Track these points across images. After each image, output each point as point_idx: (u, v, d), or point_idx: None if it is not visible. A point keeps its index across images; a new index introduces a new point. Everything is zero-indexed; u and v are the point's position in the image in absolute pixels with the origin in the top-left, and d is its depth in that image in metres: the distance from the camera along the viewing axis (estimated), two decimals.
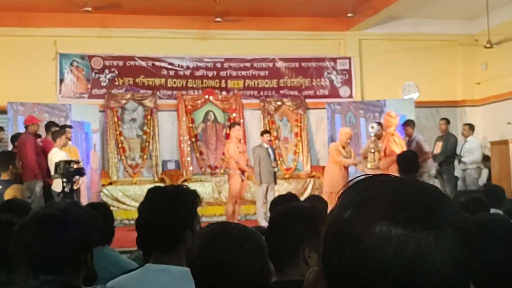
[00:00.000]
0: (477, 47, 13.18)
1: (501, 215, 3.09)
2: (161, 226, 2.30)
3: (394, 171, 8.35)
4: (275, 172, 10.45)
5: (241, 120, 12.48)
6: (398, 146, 8.68)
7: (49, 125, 10.00)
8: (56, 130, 9.58)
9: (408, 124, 10.69)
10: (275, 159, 10.59)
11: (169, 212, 2.29)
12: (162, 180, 11.77)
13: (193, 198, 2.37)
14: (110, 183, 11.68)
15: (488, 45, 11.80)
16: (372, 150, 9.44)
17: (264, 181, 10.16)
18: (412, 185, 0.89)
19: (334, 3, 11.83)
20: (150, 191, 2.45)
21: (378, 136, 9.85)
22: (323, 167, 12.06)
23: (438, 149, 11.29)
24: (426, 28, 13.21)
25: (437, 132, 12.08)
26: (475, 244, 0.86)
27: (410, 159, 5.92)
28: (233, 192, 9.98)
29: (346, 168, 9.70)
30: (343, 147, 9.78)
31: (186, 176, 12.11)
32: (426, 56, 13.31)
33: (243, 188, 10.15)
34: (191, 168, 12.36)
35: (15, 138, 9.79)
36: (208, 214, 10.96)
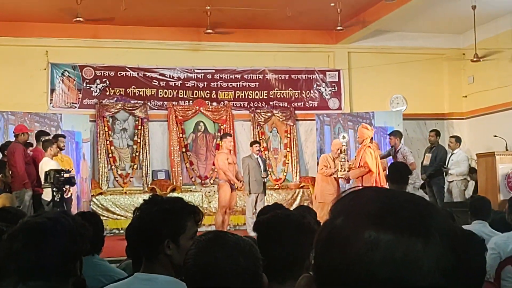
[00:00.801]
0: (464, 61, 13.36)
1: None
2: (141, 234, 2.35)
3: (367, 181, 8.59)
4: (264, 182, 10.53)
5: (231, 131, 12.57)
6: (373, 159, 8.82)
7: (39, 134, 10.03)
8: (47, 139, 9.61)
9: (393, 134, 10.84)
10: (265, 169, 10.65)
11: (149, 220, 2.32)
12: (152, 190, 11.81)
13: (187, 212, 2.36)
14: (100, 193, 11.72)
15: (475, 59, 11.97)
16: (343, 160, 9.60)
17: (253, 191, 10.23)
18: (402, 194, 0.91)
19: (323, 16, 11.97)
20: (146, 199, 2.48)
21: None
22: (312, 178, 12.18)
23: (427, 160, 11.40)
24: (414, 41, 13.38)
25: (424, 144, 12.22)
26: (463, 253, 0.87)
27: (401, 170, 6.00)
28: (223, 202, 10.02)
29: (336, 179, 9.80)
30: (334, 159, 9.90)
31: (176, 185, 12.16)
32: (414, 69, 13.47)
33: (232, 198, 10.17)
34: (181, 178, 12.42)
35: (4, 147, 9.80)
36: None
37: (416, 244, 0.83)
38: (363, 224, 0.85)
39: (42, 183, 8.73)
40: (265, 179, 10.59)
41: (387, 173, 6.60)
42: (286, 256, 2.25)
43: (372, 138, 10.76)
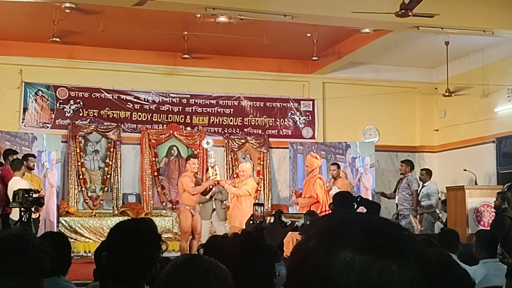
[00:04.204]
0: (436, 95, 13.60)
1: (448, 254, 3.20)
2: (137, 265, 2.37)
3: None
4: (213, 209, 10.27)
5: (204, 156, 12.54)
6: (323, 190, 9.18)
7: (7, 153, 9.86)
8: (17, 158, 9.48)
9: (405, 162, 11.14)
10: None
11: (146, 251, 2.38)
12: (122, 213, 11.69)
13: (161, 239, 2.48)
14: (69, 214, 11.55)
15: (446, 94, 12.19)
16: (212, 164, 9.83)
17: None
18: (376, 218, 0.92)
19: (300, 46, 12.12)
20: (122, 228, 2.49)
21: (335, 176, 10.58)
22: (285, 206, 12.21)
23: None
24: (387, 74, 13.61)
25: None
26: (437, 278, 0.88)
27: (345, 198, 6.00)
28: (185, 228, 9.58)
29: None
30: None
31: (146, 210, 12.06)
32: (387, 101, 13.66)
33: (196, 222, 9.71)
34: (152, 202, 12.33)
35: None
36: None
37: (390, 266, 0.83)
38: (339, 245, 0.85)
39: (10, 202, 8.58)
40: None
41: (332, 200, 6.62)
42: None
43: (335, 167, 11.00)
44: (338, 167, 11.10)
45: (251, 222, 4.47)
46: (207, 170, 10.22)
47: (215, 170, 9.80)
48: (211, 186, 9.84)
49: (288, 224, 2.62)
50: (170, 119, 12.87)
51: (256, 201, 10.16)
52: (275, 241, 2.74)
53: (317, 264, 0.86)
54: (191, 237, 9.69)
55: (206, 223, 10.06)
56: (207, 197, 10.06)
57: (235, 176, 12.09)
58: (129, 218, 10.06)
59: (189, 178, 9.72)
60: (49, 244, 2.31)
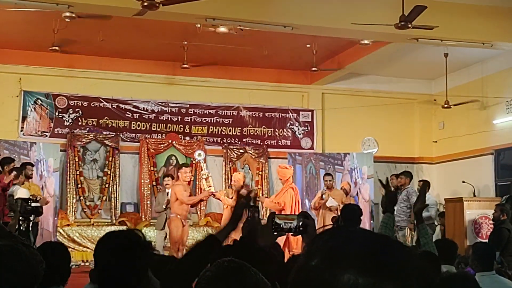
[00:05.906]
0: (435, 107, 13.61)
1: (466, 271, 3.19)
2: (128, 273, 2.35)
3: None
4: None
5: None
6: (294, 201, 9.27)
7: (3, 161, 9.81)
8: (16, 167, 9.46)
9: (404, 174, 11.04)
10: None
11: (138, 258, 2.36)
12: (121, 223, 11.66)
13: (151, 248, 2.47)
14: (67, 224, 11.52)
15: (445, 105, 12.19)
16: (205, 177, 9.94)
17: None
18: (379, 237, 0.92)
19: (299, 57, 12.15)
20: (115, 237, 2.48)
21: (329, 187, 10.59)
22: None
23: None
24: (386, 86, 13.64)
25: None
26: None
27: (355, 212, 5.96)
28: (175, 238, 9.39)
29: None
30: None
31: (144, 219, 12.03)
32: (386, 113, 13.68)
33: (185, 233, 9.58)
34: (150, 211, 12.29)
35: None
36: None
37: None
38: (342, 266, 0.85)
39: (9, 211, 8.55)
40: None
41: (340, 212, 6.59)
42: None
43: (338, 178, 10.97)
44: (332, 177, 11.08)
45: (247, 225, 4.45)
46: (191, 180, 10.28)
47: (209, 182, 9.80)
48: (204, 198, 9.92)
49: (281, 225, 2.60)
50: (169, 128, 12.87)
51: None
52: (267, 243, 2.71)
53: (321, 285, 0.86)
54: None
55: (160, 233, 10.05)
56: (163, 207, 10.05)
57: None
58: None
59: (183, 187, 9.64)
60: (51, 254, 2.31)
